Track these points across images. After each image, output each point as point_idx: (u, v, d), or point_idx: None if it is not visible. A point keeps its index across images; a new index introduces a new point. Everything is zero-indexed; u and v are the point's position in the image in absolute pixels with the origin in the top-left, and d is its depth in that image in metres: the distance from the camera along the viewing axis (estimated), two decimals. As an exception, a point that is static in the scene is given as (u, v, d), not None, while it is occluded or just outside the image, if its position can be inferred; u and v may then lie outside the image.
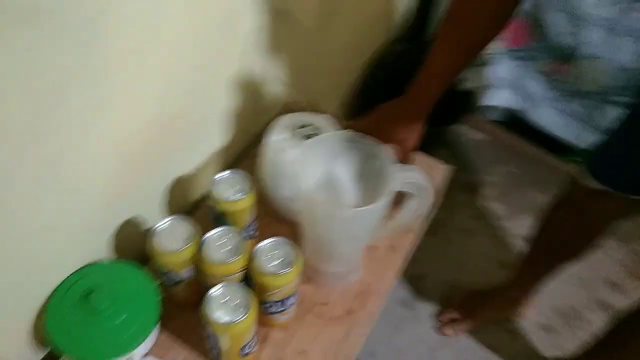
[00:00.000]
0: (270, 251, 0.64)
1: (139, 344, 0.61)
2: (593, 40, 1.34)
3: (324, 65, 1.17)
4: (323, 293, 0.76)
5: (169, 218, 0.66)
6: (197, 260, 0.65)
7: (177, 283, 0.68)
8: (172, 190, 0.80)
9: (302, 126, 0.80)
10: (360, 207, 0.65)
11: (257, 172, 0.82)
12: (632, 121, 0.82)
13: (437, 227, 1.57)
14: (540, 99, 1.59)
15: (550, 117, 1.60)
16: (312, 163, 0.68)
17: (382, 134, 0.71)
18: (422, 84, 0.77)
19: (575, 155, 1.62)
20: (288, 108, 1.01)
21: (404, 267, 0.82)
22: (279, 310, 0.68)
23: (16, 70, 0.47)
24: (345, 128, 0.73)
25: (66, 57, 0.51)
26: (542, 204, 1.13)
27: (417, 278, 1.46)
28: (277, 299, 0.66)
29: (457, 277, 1.48)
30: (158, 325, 0.66)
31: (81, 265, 0.67)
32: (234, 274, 0.64)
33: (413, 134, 0.79)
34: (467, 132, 1.85)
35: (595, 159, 0.92)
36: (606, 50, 1.34)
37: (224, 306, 0.58)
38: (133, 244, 0.75)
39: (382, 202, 0.63)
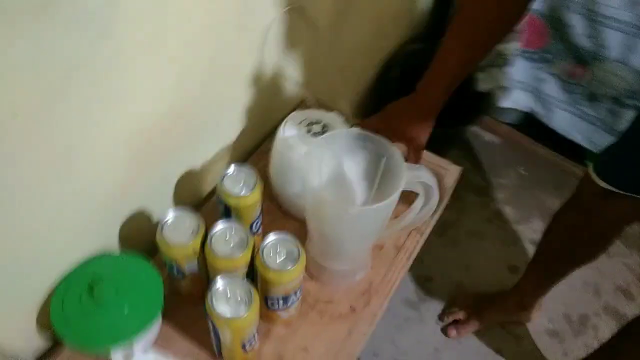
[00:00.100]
0: (276, 247, 0.64)
1: (139, 334, 0.62)
2: (612, 43, 1.33)
3: (338, 63, 1.17)
4: (327, 291, 0.76)
5: (177, 211, 0.67)
6: (203, 254, 0.65)
7: (183, 276, 0.68)
8: (181, 184, 0.81)
9: (313, 123, 0.80)
10: (368, 205, 0.64)
11: (267, 169, 0.82)
12: None
13: (446, 229, 1.56)
14: (555, 102, 1.58)
15: (564, 120, 1.59)
16: (321, 160, 0.68)
17: (391, 132, 0.71)
18: (431, 82, 0.76)
19: (587, 158, 1.61)
20: (300, 105, 1.01)
21: (410, 267, 0.82)
22: (283, 306, 0.68)
23: (25, 62, 0.47)
24: (354, 126, 0.73)
25: (76, 49, 0.52)
26: (554, 208, 1.12)
27: (424, 279, 1.45)
28: (281, 295, 0.66)
29: (464, 279, 1.47)
30: (161, 318, 0.66)
31: (88, 256, 0.68)
32: (239, 268, 0.64)
33: (422, 132, 0.79)
34: (481, 134, 1.83)
35: (604, 159, 0.91)
36: (625, 54, 1.33)
37: (227, 300, 0.59)
38: (141, 236, 0.75)
39: (389, 201, 0.63)
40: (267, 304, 0.67)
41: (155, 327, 0.64)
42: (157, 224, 0.66)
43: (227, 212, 0.71)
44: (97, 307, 0.62)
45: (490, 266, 1.50)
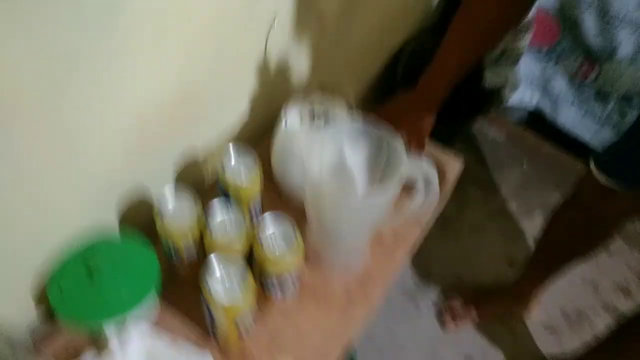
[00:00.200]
0: (274, 233, 0.65)
1: (133, 309, 0.62)
2: (622, 43, 1.32)
3: (345, 55, 1.16)
4: (325, 278, 0.77)
5: (178, 195, 0.67)
6: (202, 238, 0.65)
7: (181, 260, 0.69)
8: (184, 168, 0.81)
9: (316, 112, 0.80)
10: (369, 195, 0.64)
11: (269, 155, 0.82)
12: None
13: (448, 222, 1.56)
14: (562, 99, 1.57)
15: (571, 117, 1.58)
16: (323, 149, 0.68)
17: (394, 124, 0.71)
18: (432, 80, 0.78)
19: (590, 155, 1.60)
20: (304, 94, 1.00)
21: (409, 258, 0.82)
22: (279, 291, 0.69)
23: (33, 45, 0.47)
24: (357, 116, 0.73)
25: (85, 31, 0.52)
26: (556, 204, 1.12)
27: (423, 270, 1.45)
28: (278, 280, 0.66)
29: (464, 272, 1.47)
30: (159, 301, 0.67)
31: (89, 237, 0.68)
32: (237, 253, 0.64)
33: (423, 124, 0.80)
34: (486, 129, 1.83)
35: (607, 153, 0.92)
36: (635, 53, 1.32)
37: (224, 285, 0.59)
38: (142, 218, 0.76)
39: (390, 192, 0.63)
40: (264, 289, 0.68)
41: (151, 306, 0.65)
42: (157, 207, 0.66)
43: (226, 197, 0.71)
44: (92, 283, 0.63)
45: (490, 261, 1.50)
